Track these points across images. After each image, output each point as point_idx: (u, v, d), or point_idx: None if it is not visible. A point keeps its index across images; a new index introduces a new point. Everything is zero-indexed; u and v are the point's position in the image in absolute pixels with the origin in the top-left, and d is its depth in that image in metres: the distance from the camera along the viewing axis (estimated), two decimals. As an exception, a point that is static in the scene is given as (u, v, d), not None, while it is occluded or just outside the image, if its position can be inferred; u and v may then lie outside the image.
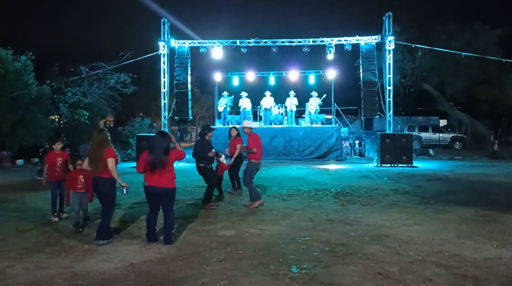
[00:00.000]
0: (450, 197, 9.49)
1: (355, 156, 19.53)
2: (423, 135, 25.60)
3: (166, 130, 18.17)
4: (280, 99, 20.34)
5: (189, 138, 41.80)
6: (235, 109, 21.78)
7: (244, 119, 19.53)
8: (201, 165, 8.50)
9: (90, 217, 7.13)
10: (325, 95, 19.69)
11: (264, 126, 19.47)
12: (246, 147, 8.73)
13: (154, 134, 7.06)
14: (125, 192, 6.07)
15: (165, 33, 17.77)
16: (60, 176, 7.43)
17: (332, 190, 10.53)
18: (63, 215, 7.59)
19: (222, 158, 9.05)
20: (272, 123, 19.50)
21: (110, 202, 6.10)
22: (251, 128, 8.90)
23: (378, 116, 18.35)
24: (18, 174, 14.37)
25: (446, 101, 24.81)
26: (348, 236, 6.26)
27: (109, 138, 6.17)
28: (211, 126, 9.14)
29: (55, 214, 7.40)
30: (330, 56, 18.16)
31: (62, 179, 7.44)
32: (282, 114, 19.80)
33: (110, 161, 5.91)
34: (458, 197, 9.43)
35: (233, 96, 20.43)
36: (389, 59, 16.95)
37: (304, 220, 7.30)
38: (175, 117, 19.19)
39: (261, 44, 18.22)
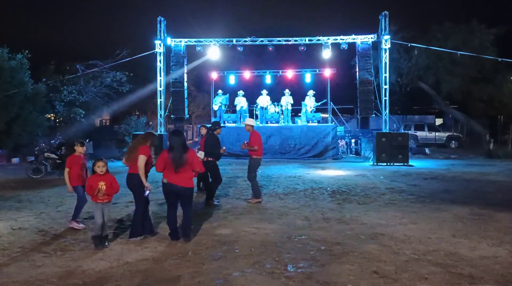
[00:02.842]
0: (446, 195, 9.52)
1: (351, 155, 19.55)
2: (419, 134, 25.66)
3: (162, 128, 18.17)
4: (276, 98, 20.34)
5: (185, 136, 41.75)
6: (231, 107, 21.74)
7: (241, 117, 19.58)
8: (209, 159, 8.63)
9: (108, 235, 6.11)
10: (324, 100, 19.77)
11: (261, 125, 19.46)
12: (247, 144, 8.82)
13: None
14: (146, 194, 6.09)
15: (161, 32, 17.72)
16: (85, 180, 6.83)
17: (328, 188, 10.54)
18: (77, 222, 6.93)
19: (202, 155, 9.06)
20: (269, 122, 19.50)
21: (142, 199, 6.16)
22: (252, 125, 9.04)
23: (374, 115, 18.36)
24: (14, 172, 14.29)
25: (442, 100, 24.84)
26: (344, 235, 6.27)
27: (151, 141, 6.29)
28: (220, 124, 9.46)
29: (79, 220, 6.88)
30: (326, 55, 18.15)
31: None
32: (278, 112, 19.81)
33: (141, 158, 5.97)
34: (453, 196, 9.46)
35: (227, 95, 20.42)
36: (385, 58, 16.95)
37: (300, 219, 7.31)
38: (171, 116, 19.13)
39: (257, 42, 18.19)
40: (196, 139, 10.51)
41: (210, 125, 9.56)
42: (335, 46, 18.07)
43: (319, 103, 19.65)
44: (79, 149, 6.94)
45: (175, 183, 5.86)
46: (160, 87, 17.95)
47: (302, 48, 18.05)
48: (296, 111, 23.11)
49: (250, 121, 9.26)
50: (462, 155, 20.21)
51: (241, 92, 20.03)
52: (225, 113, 20.27)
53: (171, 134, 6.11)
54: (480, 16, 23.03)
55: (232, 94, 20.68)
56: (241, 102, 19.91)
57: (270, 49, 18.25)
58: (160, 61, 17.78)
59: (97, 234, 5.74)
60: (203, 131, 9.85)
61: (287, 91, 19.70)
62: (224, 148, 8.94)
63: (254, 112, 20.48)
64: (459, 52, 18.39)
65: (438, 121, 33.10)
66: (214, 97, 20.55)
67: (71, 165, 6.81)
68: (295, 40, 18.08)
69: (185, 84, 18.82)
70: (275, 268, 4.90)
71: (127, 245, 5.86)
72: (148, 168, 6.16)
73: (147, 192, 6.11)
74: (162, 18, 17.77)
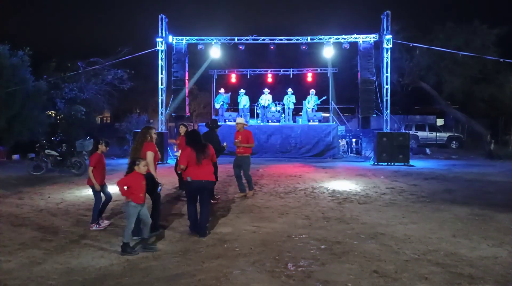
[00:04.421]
0: (446, 196, 9.51)
1: (352, 155, 19.53)
2: (420, 134, 25.64)
3: (163, 127, 18.16)
4: (277, 97, 20.33)
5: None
6: (232, 106, 21.74)
7: (242, 116, 19.59)
8: None
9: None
10: (325, 97, 19.74)
11: (262, 124, 19.47)
12: (239, 142, 9.08)
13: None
14: (159, 190, 6.14)
15: (163, 29, 17.69)
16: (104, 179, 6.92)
17: (328, 188, 10.54)
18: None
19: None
20: (270, 121, 19.49)
21: (157, 196, 6.24)
22: (243, 124, 9.36)
23: (375, 115, 18.35)
24: (14, 169, 14.31)
25: (443, 100, 24.82)
26: (345, 234, 6.28)
27: (152, 135, 6.30)
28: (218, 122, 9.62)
29: (99, 221, 6.75)
30: (328, 54, 18.14)
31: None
32: (279, 111, 19.80)
33: (149, 154, 6.06)
34: (454, 196, 9.45)
35: (229, 94, 20.41)
36: (387, 57, 16.92)
37: (300, 218, 7.31)
38: (172, 114, 19.13)
39: (259, 41, 18.16)
40: (176, 141, 10.42)
41: (210, 123, 9.55)
42: (337, 45, 18.06)
43: (320, 101, 19.61)
44: (103, 148, 6.90)
45: (199, 178, 6.12)
46: (161, 85, 17.94)
47: (304, 47, 18.03)
48: (297, 110, 23.10)
49: (241, 120, 9.58)
50: (463, 155, 20.19)
51: (242, 91, 20.04)
52: (226, 111, 20.27)
53: (187, 135, 6.65)
54: (482, 16, 22.96)
55: (233, 92, 20.66)
56: (242, 100, 19.92)
57: (272, 47, 18.22)
58: (161, 59, 17.75)
59: (128, 241, 5.42)
60: (182, 130, 9.48)
61: (289, 90, 19.70)
62: (225, 144, 9.02)
63: (256, 110, 20.49)
64: (461, 53, 18.37)
65: (439, 122, 33.07)
66: (215, 97, 20.54)
67: (95, 164, 6.69)
68: (297, 39, 18.06)
69: (186, 82, 18.82)
70: (275, 266, 4.91)
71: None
72: (155, 164, 6.23)
73: (160, 187, 6.16)
74: (163, 16, 17.74)
